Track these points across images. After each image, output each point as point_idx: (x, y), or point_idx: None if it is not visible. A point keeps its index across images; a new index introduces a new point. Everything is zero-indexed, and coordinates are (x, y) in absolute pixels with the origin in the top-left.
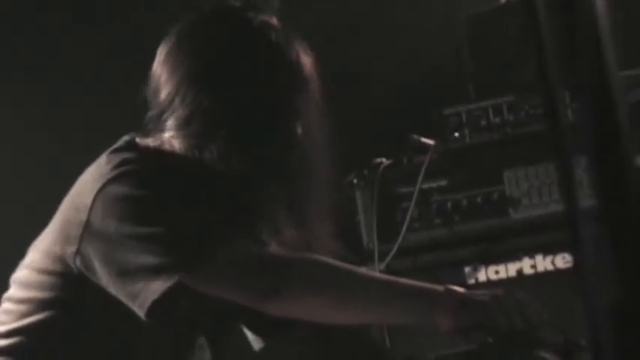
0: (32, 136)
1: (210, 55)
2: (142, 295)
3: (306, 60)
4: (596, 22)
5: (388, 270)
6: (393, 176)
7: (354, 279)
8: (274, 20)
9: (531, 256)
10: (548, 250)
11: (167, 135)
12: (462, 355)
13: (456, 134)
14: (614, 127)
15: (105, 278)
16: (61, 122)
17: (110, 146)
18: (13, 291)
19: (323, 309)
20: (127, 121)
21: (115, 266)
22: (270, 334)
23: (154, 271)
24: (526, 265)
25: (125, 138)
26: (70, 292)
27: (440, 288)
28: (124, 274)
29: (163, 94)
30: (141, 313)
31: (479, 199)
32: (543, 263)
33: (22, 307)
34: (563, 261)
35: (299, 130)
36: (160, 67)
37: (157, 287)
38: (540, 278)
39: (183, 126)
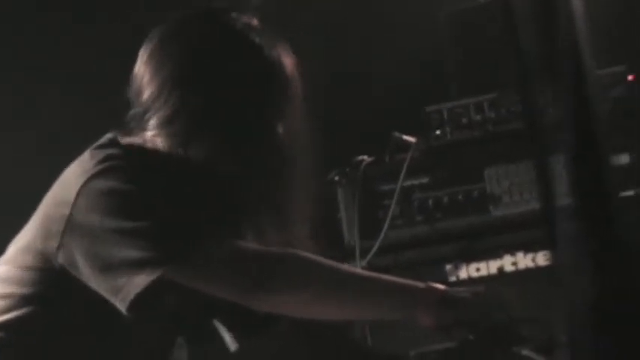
0: (32, 136)
1: (194, 55)
2: (125, 289)
3: (288, 60)
4: (573, 22)
5: (370, 267)
6: (374, 174)
7: (336, 275)
8: (256, 22)
9: (512, 253)
10: (529, 247)
11: (150, 133)
12: (443, 351)
13: (438, 132)
14: (592, 127)
15: (87, 273)
16: (61, 122)
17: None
18: None
19: (306, 304)
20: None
21: (98, 260)
22: (245, 335)
23: (138, 266)
24: (507, 263)
25: (108, 135)
26: (50, 288)
27: (421, 285)
28: (107, 268)
29: (146, 93)
30: (123, 308)
31: (460, 197)
32: (524, 260)
33: (2, 303)
34: (544, 258)
35: (281, 130)
36: (142, 67)
37: (140, 281)
38: (521, 275)
39: (167, 125)
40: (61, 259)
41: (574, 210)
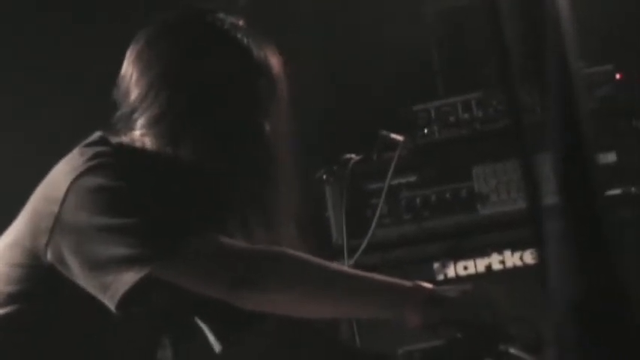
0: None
1: (181, 56)
2: (114, 287)
3: (275, 61)
4: (560, 21)
5: (357, 266)
6: (362, 172)
7: (324, 273)
8: (243, 22)
9: (500, 251)
10: (517, 245)
11: (138, 133)
12: (430, 350)
13: (425, 130)
14: (578, 126)
15: (76, 270)
16: (61, 122)
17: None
18: None
19: (293, 302)
20: None
21: (87, 258)
22: (229, 336)
23: (126, 263)
24: (495, 261)
25: (97, 133)
26: (37, 285)
27: (409, 283)
28: (96, 265)
29: (134, 94)
30: (111, 305)
31: (448, 195)
32: (512, 259)
33: None
34: (531, 257)
35: (268, 130)
36: (130, 68)
37: (128, 278)
38: (509, 274)
39: (154, 125)
40: (49, 256)
41: (560, 209)
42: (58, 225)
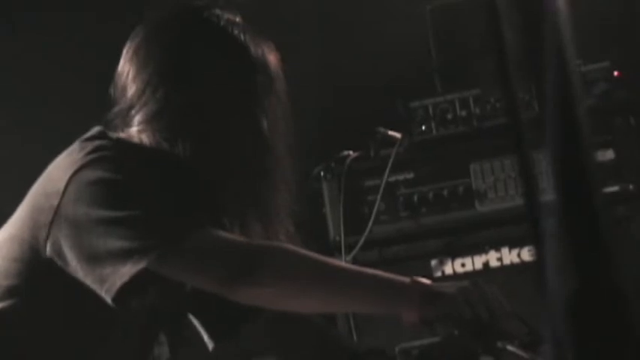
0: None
1: (178, 52)
2: (111, 279)
3: (271, 57)
4: (556, 18)
5: (355, 262)
6: (359, 169)
7: (321, 267)
8: (239, 18)
9: (497, 248)
10: (514, 242)
11: (135, 129)
12: (426, 346)
13: (423, 127)
14: (576, 123)
15: (74, 264)
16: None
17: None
18: None
19: (289, 297)
20: None
21: (84, 250)
22: (222, 333)
23: (124, 256)
24: (492, 258)
25: (96, 128)
26: (35, 280)
27: (406, 280)
28: (93, 258)
29: (131, 90)
30: (108, 298)
31: (445, 192)
32: (509, 256)
33: None
34: (529, 254)
35: (265, 125)
36: (127, 65)
37: (126, 271)
38: (506, 271)
39: (152, 121)
40: (48, 250)
41: (558, 206)
42: (57, 218)
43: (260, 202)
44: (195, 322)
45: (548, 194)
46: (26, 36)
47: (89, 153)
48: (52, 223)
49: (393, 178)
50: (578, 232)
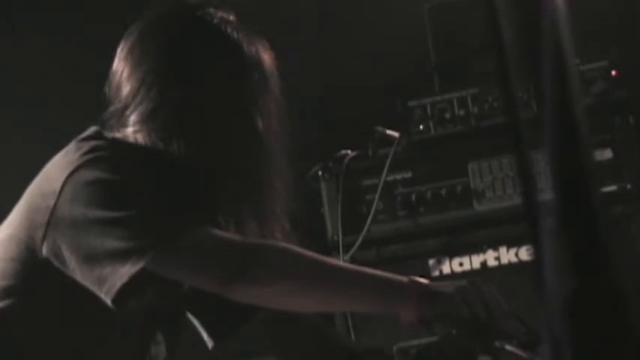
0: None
1: (171, 50)
2: (110, 280)
3: (265, 56)
4: (555, 17)
5: (353, 261)
6: (358, 168)
7: (319, 266)
8: (233, 17)
9: (495, 248)
10: (512, 242)
11: (130, 130)
12: (424, 346)
13: (421, 126)
14: (574, 122)
15: (72, 264)
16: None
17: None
18: None
19: (287, 295)
20: None
21: (82, 251)
22: (221, 332)
23: (122, 256)
24: (490, 258)
25: (93, 128)
26: (32, 280)
27: (404, 279)
28: (91, 259)
29: (126, 89)
30: (108, 299)
31: (443, 192)
32: (507, 255)
33: None
34: (526, 253)
35: (260, 124)
36: (121, 64)
37: (125, 272)
38: (504, 270)
39: (148, 120)
40: (45, 250)
41: (556, 205)
42: (54, 219)
43: (255, 200)
44: (194, 321)
45: (546, 194)
46: (26, 36)
47: (85, 153)
48: (48, 223)
49: (391, 178)
50: (577, 231)
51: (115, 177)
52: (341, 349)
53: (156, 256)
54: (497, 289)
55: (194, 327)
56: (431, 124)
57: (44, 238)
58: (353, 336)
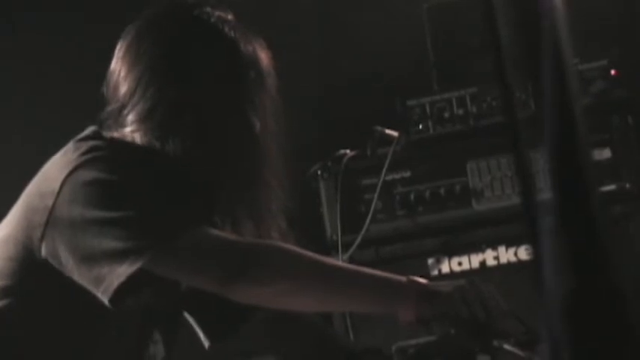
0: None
1: (168, 49)
2: (108, 280)
3: (262, 54)
4: (554, 16)
5: (351, 261)
6: (356, 168)
7: (318, 266)
8: (231, 16)
9: (494, 247)
10: (511, 241)
11: (128, 129)
12: (423, 345)
13: (420, 126)
14: (573, 122)
15: (70, 264)
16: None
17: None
18: None
19: (286, 295)
20: None
21: (79, 251)
22: (218, 331)
23: (120, 256)
24: (489, 257)
25: (91, 128)
26: (31, 279)
27: (403, 278)
28: (89, 258)
29: (123, 88)
30: (105, 299)
31: (442, 191)
32: (506, 255)
33: None
34: (525, 253)
35: (256, 123)
36: (119, 63)
37: (122, 271)
38: (503, 269)
39: (145, 119)
40: (44, 250)
41: (554, 205)
42: (52, 219)
43: (251, 199)
44: (191, 320)
45: (545, 193)
46: (26, 36)
47: (84, 153)
48: (46, 223)
49: (390, 177)
50: (576, 230)
51: (113, 177)
52: (340, 348)
53: (154, 257)
54: (496, 289)
55: (191, 326)
56: (430, 123)
57: (42, 238)
58: (351, 335)
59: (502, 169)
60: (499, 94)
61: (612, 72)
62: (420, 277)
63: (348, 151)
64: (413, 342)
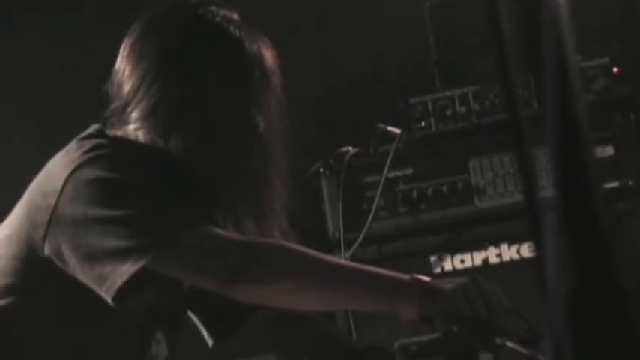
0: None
1: (172, 47)
2: (111, 278)
3: (267, 54)
4: (556, 14)
5: (354, 259)
6: (359, 165)
7: (321, 265)
8: (235, 15)
9: (497, 245)
10: (514, 239)
11: (131, 127)
12: (426, 342)
13: (422, 123)
14: (575, 119)
15: (73, 263)
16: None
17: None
18: None
19: (289, 294)
20: None
21: (83, 250)
22: (222, 330)
23: (122, 254)
24: (491, 254)
25: (94, 126)
26: (33, 278)
27: (405, 276)
28: (92, 257)
29: (127, 86)
30: (108, 297)
31: (444, 188)
32: (509, 252)
33: None
34: (528, 250)
35: (260, 122)
36: (123, 61)
37: (125, 270)
38: (506, 267)
39: (148, 117)
40: (47, 249)
41: (557, 202)
42: (55, 217)
43: (254, 198)
44: (195, 319)
45: (547, 191)
46: (26, 36)
47: (87, 152)
48: (49, 222)
49: (392, 175)
50: (578, 228)
51: (116, 176)
52: (342, 346)
53: (157, 255)
54: (499, 286)
55: (195, 325)
56: (432, 120)
57: (45, 236)
58: (354, 333)
59: (504, 166)
60: (501, 91)
61: (614, 69)
62: (423, 274)
63: (350, 148)
64: (415, 339)
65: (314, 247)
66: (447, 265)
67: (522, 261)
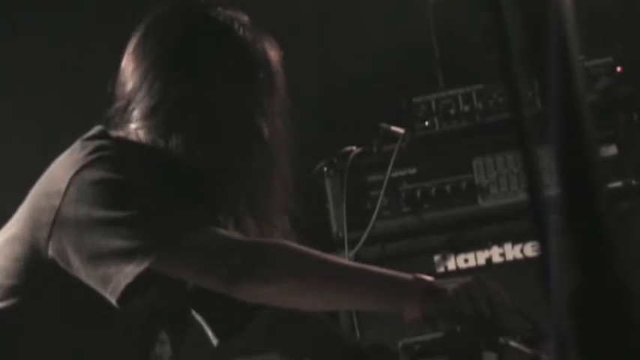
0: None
1: (175, 46)
2: (115, 280)
3: (272, 54)
4: (560, 13)
5: (357, 258)
6: (362, 164)
7: (324, 265)
8: (240, 15)
9: (500, 244)
10: (517, 238)
11: (133, 126)
12: (429, 342)
13: (426, 123)
14: (579, 118)
15: (77, 264)
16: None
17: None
18: None
19: (292, 294)
20: None
21: (87, 251)
22: (227, 330)
23: (127, 256)
24: (495, 254)
25: (97, 127)
26: (37, 279)
27: (408, 276)
28: (96, 258)
29: (129, 85)
30: (113, 299)
31: (448, 188)
32: (512, 252)
33: None
34: (532, 249)
35: (263, 122)
36: (127, 60)
37: (129, 271)
38: (509, 266)
39: (149, 116)
40: (50, 250)
41: (561, 201)
42: (58, 219)
43: (255, 198)
44: (199, 319)
45: (551, 190)
46: (26, 36)
47: (90, 153)
48: (53, 223)
49: (395, 174)
50: (582, 227)
51: (120, 177)
52: (346, 346)
53: (160, 256)
54: (502, 286)
55: (199, 325)
56: (435, 120)
57: (49, 237)
58: (358, 333)
59: (508, 165)
60: (505, 90)
61: (618, 69)
62: (426, 274)
63: (353, 148)
64: (419, 339)
65: (317, 246)
66: (451, 265)
67: (526, 260)
